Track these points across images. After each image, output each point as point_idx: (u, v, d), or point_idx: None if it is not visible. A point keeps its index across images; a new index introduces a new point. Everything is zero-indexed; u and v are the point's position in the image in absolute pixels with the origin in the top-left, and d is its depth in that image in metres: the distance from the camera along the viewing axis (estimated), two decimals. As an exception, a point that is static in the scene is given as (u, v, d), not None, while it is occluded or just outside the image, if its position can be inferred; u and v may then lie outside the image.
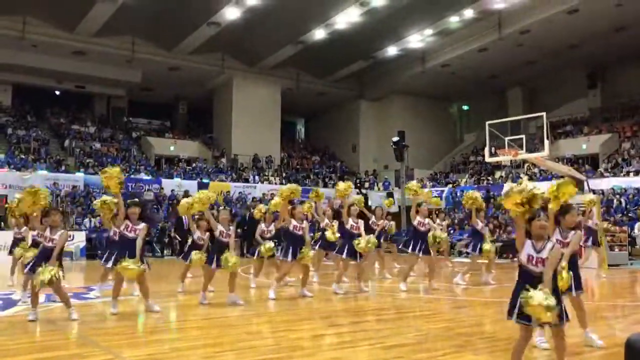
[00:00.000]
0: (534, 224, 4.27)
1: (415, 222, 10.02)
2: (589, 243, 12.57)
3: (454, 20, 25.31)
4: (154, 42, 27.99)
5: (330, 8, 24.46)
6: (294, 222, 9.16)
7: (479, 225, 11.26)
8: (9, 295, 9.57)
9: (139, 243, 7.44)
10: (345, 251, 9.74)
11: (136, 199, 8.74)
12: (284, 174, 31.42)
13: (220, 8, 23.89)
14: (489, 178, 29.49)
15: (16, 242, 10.83)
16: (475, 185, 28.66)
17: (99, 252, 19.60)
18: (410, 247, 10.01)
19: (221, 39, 27.00)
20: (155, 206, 23.54)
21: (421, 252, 9.92)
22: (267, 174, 30.61)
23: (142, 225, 7.59)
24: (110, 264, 7.97)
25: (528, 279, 4.19)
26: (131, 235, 7.53)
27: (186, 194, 24.85)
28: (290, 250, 9.05)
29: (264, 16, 24.59)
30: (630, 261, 16.89)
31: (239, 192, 27.23)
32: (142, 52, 27.83)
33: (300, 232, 9.15)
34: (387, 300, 9.38)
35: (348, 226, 9.82)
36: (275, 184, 29.37)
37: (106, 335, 6.59)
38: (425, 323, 7.31)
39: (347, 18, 24.91)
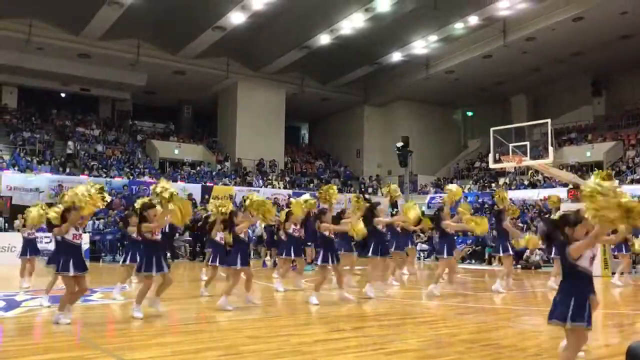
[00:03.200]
0: (578, 228, 4.21)
1: (443, 225, 10.16)
2: (623, 250, 12.52)
3: (458, 26, 25.35)
4: (159, 46, 28.09)
5: (336, 13, 24.52)
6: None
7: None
8: (12, 296, 9.59)
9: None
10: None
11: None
12: (287, 179, 31.43)
13: (226, 12, 23.97)
14: (493, 184, 29.44)
15: (28, 243, 10.83)
16: (479, 192, 28.64)
17: (103, 253, 19.77)
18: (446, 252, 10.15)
19: (226, 43, 27.08)
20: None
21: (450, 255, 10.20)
22: (270, 178, 30.63)
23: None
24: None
25: (588, 281, 4.22)
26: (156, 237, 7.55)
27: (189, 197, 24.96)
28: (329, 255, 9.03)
29: (269, 21, 24.67)
30: (634, 269, 16.82)
31: (243, 196, 27.20)
32: (147, 56, 27.94)
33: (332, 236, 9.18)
34: (390, 305, 9.35)
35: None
36: (279, 188, 29.42)
37: (108, 337, 6.59)
38: (428, 329, 7.28)
39: (352, 23, 24.96)
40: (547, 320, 4.23)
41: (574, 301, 4.10)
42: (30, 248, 10.87)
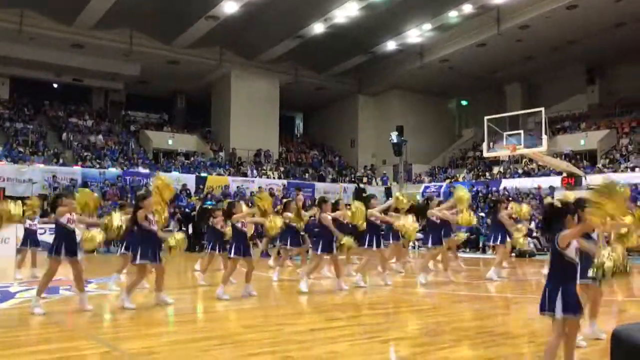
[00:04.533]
0: (570, 219, 4.25)
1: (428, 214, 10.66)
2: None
3: (452, 15, 25.25)
4: (152, 36, 27.89)
5: (329, 2, 24.39)
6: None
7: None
8: (7, 287, 9.57)
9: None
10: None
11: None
12: (282, 169, 31.40)
13: (219, 1, 23.80)
14: (487, 173, 29.50)
15: (29, 234, 10.79)
16: (474, 181, 28.70)
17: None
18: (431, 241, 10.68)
19: (219, 32, 26.92)
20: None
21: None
22: (265, 168, 30.59)
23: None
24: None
25: (575, 271, 4.26)
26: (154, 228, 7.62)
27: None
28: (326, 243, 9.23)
29: (262, 10, 24.52)
30: (629, 256, 16.91)
31: (237, 187, 27.22)
32: (140, 46, 27.73)
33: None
34: (385, 294, 9.39)
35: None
36: (274, 178, 29.38)
37: (103, 328, 6.60)
38: (423, 317, 7.32)
39: (346, 12, 24.84)
40: (539, 311, 4.25)
41: (562, 291, 4.12)
42: (30, 239, 10.81)
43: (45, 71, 29.54)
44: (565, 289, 4.12)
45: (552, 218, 4.32)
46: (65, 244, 7.13)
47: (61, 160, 25.13)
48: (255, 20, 25.58)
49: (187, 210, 21.35)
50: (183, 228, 20.12)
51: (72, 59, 28.18)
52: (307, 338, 5.90)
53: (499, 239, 11.09)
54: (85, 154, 26.37)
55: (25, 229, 10.83)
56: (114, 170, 25.21)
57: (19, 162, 23.35)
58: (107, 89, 33.21)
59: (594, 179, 23.39)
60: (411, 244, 23.48)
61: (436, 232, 10.61)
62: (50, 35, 25.87)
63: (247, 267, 8.55)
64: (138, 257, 7.53)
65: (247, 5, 23.86)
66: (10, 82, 30.21)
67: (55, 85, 32.26)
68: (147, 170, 26.30)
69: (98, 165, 25.37)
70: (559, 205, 4.38)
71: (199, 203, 20.38)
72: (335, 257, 9.48)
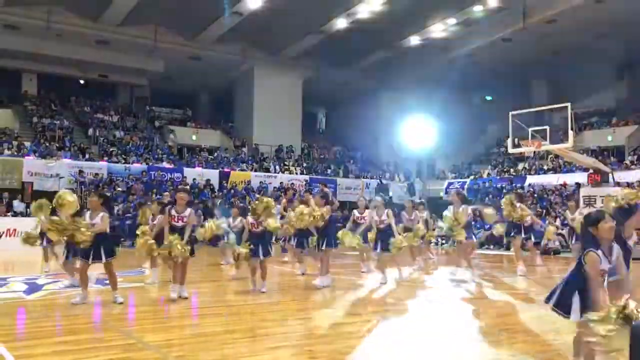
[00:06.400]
0: (601, 226, 4.04)
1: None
2: None
3: (477, 9, 24.95)
4: (176, 32, 28.13)
5: (353, -4, 24.30)
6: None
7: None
8: (34, 279, 9.76)
9: (187, 230, 7.65)
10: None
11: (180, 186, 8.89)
12: (304, 164, 31.44)
13: (242, -3, 23.89)
14: (512, 170, 29.18)
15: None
16: (498, 177, 28.42)
17: (122, 238, 19.99)
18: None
19: (243, 28, 27.02)
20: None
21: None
22: (287, 164, 30.66)
23: (189, 211, 7.74)
24: None
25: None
26: (179, 224, 7.68)
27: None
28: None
29: (285, 5, 24.52)
30: None
31: (260, 182, 27.34)
32: (164, 42, 27.98)
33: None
34: (406, 290, 9.35)
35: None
36: (296, 174, 29.45)
37: (128, 320, 6.69)
38: (444, 314, 7.28)
39: (369, 7, 24.71)
40: (550, 307, 4.18)
41: (578, 295, 4.02)
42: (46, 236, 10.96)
43: (72, 67, 29.98)
44: (581, 293, 4.01)
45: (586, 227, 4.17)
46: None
47: (87, 155, 25.51)
48: (279, 16, 25.59)
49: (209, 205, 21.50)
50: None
51: (97, 55, 28.57)
52: (328, 333, 5.91)
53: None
54: (111, 149, 26.72)
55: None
56: (139, 166, 25.52)
57: (47, 157, 23.76)
58: (132, 85, 33.61)
59: (622, 176, 23.03)
60: (433, 240, 23.41)
61: (469, 228, 10.60)
62: (76, 31, 26.26)
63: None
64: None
65: (270, 1, 23.89)
66: (38, 78, 30.75)
67: (81, 81, 32.73)
68: (171, 166, 26.56)
69: (123, 161, 25.70)
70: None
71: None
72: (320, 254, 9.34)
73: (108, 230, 7.45)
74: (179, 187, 8.48)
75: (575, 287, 4.07)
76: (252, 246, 8.25)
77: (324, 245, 9.09)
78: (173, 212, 7.73)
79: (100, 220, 7.23)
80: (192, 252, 7.75)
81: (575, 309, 4.01)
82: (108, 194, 8.05)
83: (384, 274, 9.77)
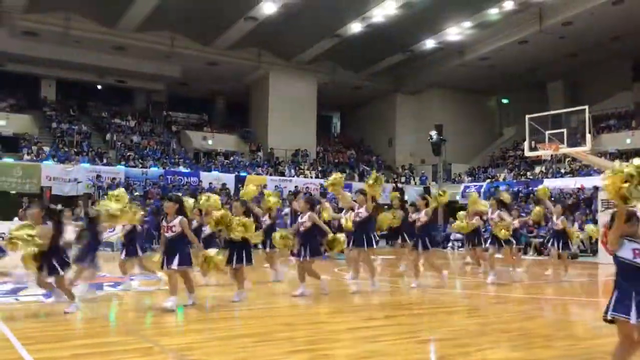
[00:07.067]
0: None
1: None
2: None
3: (493, 12, 24.87)
4: (192, 38, 28.36)
5: (367, 1, 24.33)
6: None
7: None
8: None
9: (190, 235, 7.27)
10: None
11: (171, 194, 8.35)
12: (319, 168, 31.48)
13: (258, 2, 24.04)
14: (529, 173, 28.93)
15: None
16: (515, 180, 28.19)
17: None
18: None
19: (258, 33, 27.17)
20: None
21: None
22: (302, 167, 30.72)
23: (178, 219, 7.19)
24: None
25: (633, 273, 3.83)
26: (168, 234, 7.21)
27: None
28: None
29: (300, 10, 24.62)
30: None
31: (275, 186, 27.40)
32: (181, 47, 28.23)
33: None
34: (422, 295, 9.32)
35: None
36: (311, 177, 29.49)
37: (145, 324, 6.74)
38: (460, 318, 7.25)
39: (384, 11, 24.72)
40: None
41: (617, 293, 3.86)
42: None
43: (90, 73, 30.37)
44: (619, 290, 3.86)
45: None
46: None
47: (105, 160, 25.77)
48: (293, 20, 25.71)
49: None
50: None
51: (115, 61, 28.90)
52: (345, 337, 5.91)
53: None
54: (128, 153, 26.97)
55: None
56: (156, 170, 25.72)
57: (65, 162, 24.04)
58: (149, 90, 33.92)
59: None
60: (450, 245, 23.31)
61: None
62: (94, 37, 26.58)
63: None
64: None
65: (285, 6, 24.00)
66: (56, 83, 31.17)
67: (99, 87, 33.12)
68: (188, 170, 26.74)
69: (141, 165, 25.92)
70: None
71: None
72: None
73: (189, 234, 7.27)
74: (167, 194, 8.16)
75: (615, 284, 3.92)
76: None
77: (307, 255, 8.42)
78: (163, 222, 7.32)
79: (179, 224, 7.14)
80: (249, 259, 7.84)
81: (611, 304, 3.83)
82: (182, 198, 7.71)
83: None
